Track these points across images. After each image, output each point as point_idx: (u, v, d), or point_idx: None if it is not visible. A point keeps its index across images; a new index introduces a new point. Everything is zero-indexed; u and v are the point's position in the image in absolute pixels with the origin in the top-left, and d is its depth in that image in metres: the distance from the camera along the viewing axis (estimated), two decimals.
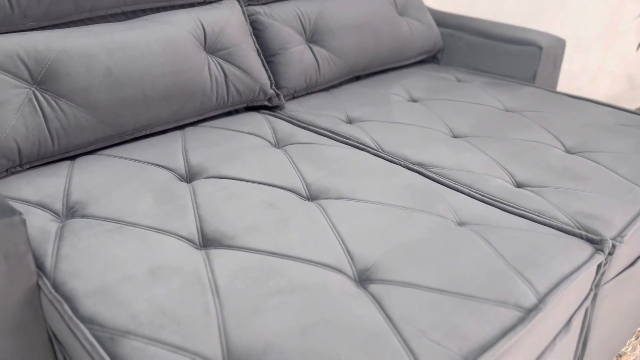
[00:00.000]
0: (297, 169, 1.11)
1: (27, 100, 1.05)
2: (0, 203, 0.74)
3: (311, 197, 1.03)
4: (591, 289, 0.92)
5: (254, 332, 0.69)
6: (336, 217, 0.94)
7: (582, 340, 0.96)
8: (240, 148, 1.19)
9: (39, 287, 0.78)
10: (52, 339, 0.81)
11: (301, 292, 0.76)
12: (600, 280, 0.92)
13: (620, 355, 1.19)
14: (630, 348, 1.23)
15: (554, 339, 0.84)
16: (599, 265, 0.90)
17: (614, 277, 0.96)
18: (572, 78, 2.91)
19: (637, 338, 1.23)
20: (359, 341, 0.68)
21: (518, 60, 1.74)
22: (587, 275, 0.87)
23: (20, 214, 0.72)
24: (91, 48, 1.12)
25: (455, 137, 1.32)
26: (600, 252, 0.88)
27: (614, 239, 0.92)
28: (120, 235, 0.87)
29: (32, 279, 0.77)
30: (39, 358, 0.81)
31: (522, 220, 0.96)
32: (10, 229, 0.71)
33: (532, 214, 0.98)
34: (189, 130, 1.29)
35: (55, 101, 1.07)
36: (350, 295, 0.76)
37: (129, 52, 1.15)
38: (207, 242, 0.88)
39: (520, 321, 0.73)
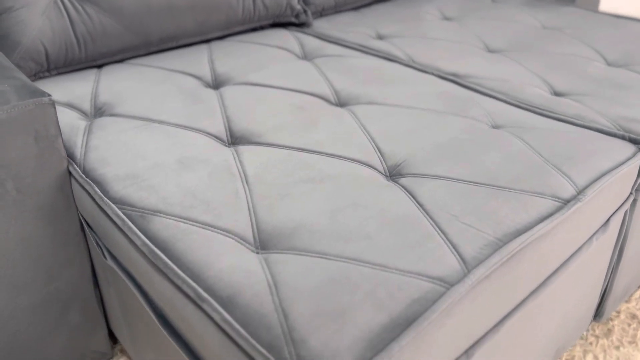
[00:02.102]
0: (326, 78, 1.08)
1: (53, 3, 1.03)
2: (29, 85, 0.74)
3: (340, 103, 1.00)
4: (631, 193, 0.88)
5: (283, 214, 0.68)
6: (366, 120, 0.92)
7: (619, 246, 0.94)
8: (267, 59, 1.17)
9: (69, 173, 0.78)
10: (84, 227, 0.82)
11: (330, 181, 0.75)
12: None
13: None
14: None
15: (591, 237, 0.81)
16: None
17: None
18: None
19: None
20: (390, 223, 0.66)
21: None
22: (628, 174, 0.83)
23: (49, 95, 0.72)
24: None
25: (490, 51, 1.27)
26: None
27: None
28: (148, 131, 0.87)
29: (62, 164, 0.77)
30: (71, 245, 0.82)
31: (560, 123, 0.92)
32: (39, 110, 0.71)
33: (571, 118, 0.94)
34: (215, 44, 1.26)
35: (80, 4, 1.05)
36: (380, 186, 0.74)
37: None
38: (235, 139, 0.87)
39: (558, 210, 0.71)
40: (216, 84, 1.07)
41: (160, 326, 0.66)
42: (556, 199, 0.72)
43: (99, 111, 0.94)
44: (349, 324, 0.52)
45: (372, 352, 0.50)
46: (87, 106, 0.96)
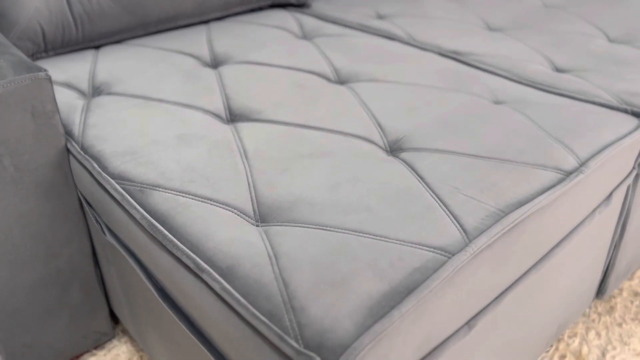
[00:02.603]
0: (326, 56, 1.07)
1: None
2: (26, 61, 0.73)
3: (340, 80, 0.99)
4: (634, 167, 0.88)
5: (283, 188, 0.67)
6: (367, 96, 0.91)
7: (621, 221, 0.93)
8: (266, 39, 1.16)
9: (67, 150, 0.78)
10: (83, 205, 0.82)
11: (330, 156, 0.74)
12: None
13: None
14: None
15: (594, 210, 0.81)
16: None
17: None
18: None
19: None
20: (390, 196, 0.66)
21: None
22: (631, 147, 0.82)
23: (45, 70, 0.71)
24: None
25: (492, 30, 1.26)
26: None
27: None
28: (147, 109, 0.86)
29: (60, 141, 0.76)
30: (71, 223, 0.82)
31: (562, 98, 0.91)
32: (36, 85, 0.70)
33: (573, 93, 0.93)
34: (214, 24, 1.25)
35: None
36: (380, 160, 0.74)
37: None
38: (234, 117, 0.86)
39: (560, 182, 0.70)
40: (215, 64, 1.06)
41: (160, 299, 0.66)
42: (558, 171, 0.72)
43: (97, 90, 0.94)
44: (350, 292, 0.52)
45: (372, 319, 0.50)
46: (84, 86, 0.95)
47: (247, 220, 0.63)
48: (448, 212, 0.63)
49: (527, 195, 0.67)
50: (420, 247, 0.58)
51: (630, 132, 0.81)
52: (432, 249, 0.58)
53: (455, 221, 0.62)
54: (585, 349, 0.98)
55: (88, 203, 0.79)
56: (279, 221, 0.63)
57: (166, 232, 0.61)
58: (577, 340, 1.00)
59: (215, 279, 0.55)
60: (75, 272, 0.86)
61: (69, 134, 0.80)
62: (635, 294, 1.10)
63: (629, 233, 0.96)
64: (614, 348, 0.98)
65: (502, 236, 0.62)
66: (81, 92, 0.93)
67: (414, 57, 1.06)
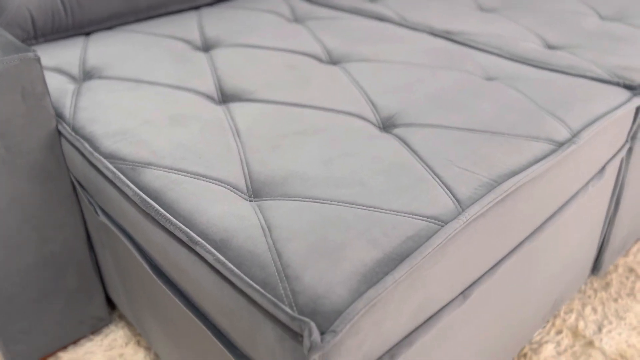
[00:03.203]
0: (318, 38, 1.07)
1: None
2: (14, 42, 0.73)
3: (332, 61, 0.99)
4: (627, 140, 0.88)
5: (276, 164, 0.67)
6: (359, 76, 0.91)
7: (615, 196, 0.93)
8: (257, 23, 1.15)
9: (59, 133, 0.78)
10: (76, 189, 0.81)
11: (323, 133, 0.74)
12: (637, 131, 0.88)
13: None
14: None
15: (587, 183, 0.81)
16: (637, 112, 0.85)
17: None
18: None
19: None
20: (383, 169, 0.66)
21: None
22: (623, 119, 0.82)
23: (34, 51, 0.70)
24: None
25: (483, 10, 1.25)
26: (639, 95, 0.83)
27: None
28: (138, 91, 0.86)
29: (51, 123, 0.76)
30: (64, 206, 0.82)
31: (554, 74, 0.91)
32: (25, 65, 0.70)
33: (566, 69, 0.93)
34: (204, 10, 1.25)
35: None
36: (373, 136, 0.74)
37: None
38: (226, 97, 0.86)
39: (552, 152, 0.70)
40: (206, 47, 1.05)
41: (154, 276, 0.65)
42: (551, 142, 0.72)
43: (87, 75, 0.93)
44: (343, 260, 0.52)
45: (366, 285, 0.50)
46: (75, 70, 0.94)
47: (240, 196, 0.63)
48: (441, 183, 0.63)
49: (519, 166, 0.67)
50: (414, 216, 0.58)
51: (622, 104, 0.81)
52: (425, 218, 0.58)
53: (448, 191, 0.62)
54: (581, 324, 0.99)
55: (81, 185, 0.79)
56: (272, 196, 0.62)
57: (159, 208, 0.61)
58: (573, 316, 1.00)
59: (208, 251, 0.55)
60: (70, 256, 0.86)
61: (59, 116, 0.79)
62: (631, 270, 1.11)
63: (623, 208, 0.97)
64: (610, 323, 0.99)
65: (495, 205, 0.62)
66: (72, 77, 0.93)
67: (406, 38, 1.06)
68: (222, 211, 0.59)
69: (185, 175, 0.65)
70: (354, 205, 0.59)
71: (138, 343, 0.95)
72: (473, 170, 0.65)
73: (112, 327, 0.98)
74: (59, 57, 0.99)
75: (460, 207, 0.60)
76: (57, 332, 0.90)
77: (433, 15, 1.20)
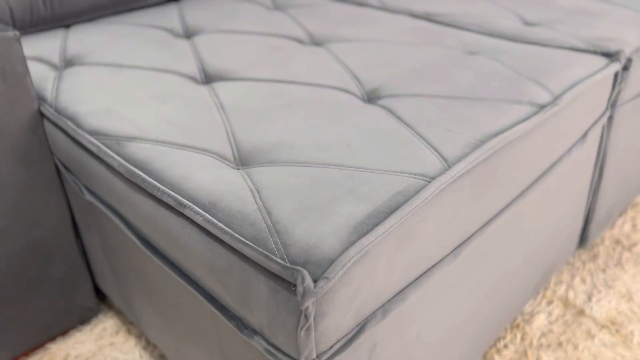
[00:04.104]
0: (299, 23, 1.07)
1: None
2: None
3: (315, 43, 1.00)
4: (607, 108, 0.89)
5: (262, 134, 0.67)
6: (342, 54, 0.91)
7: (598, 164, 0.94)
8: (238, 11, 1.15)
9: (41, 114, 0.77)
10: (60, 172, 0.80)
11: (307, 105, 0.74)
12: (616, 99, 0.90)
13: (635, 204, 1.19)
14: None
15: (571, 148, 0.82)
16: (615, 79, 0.87)
17: (630, 100, 0.93)
18: None
19: None
20: (370, 134, 0.66)
21: None
22: (603, 84, 0.84)
23: (14, 30, 0.70)
24: None
25: None
26: (616, 61, 0.85)
27: (630, 55, 0.88)
28: (121, 75, 0.85)
29: (33, 104, 0.75)
30: (48, 191, 0.80)
31: (534, 46, 0.92)
32: (4, 45, 0.69)
33: (545, 41, 0.94)
34: (184, 2, 1.25)
35: None
36: (358, 107, 0.74)
37: None
38: (209, 78, 0.86)
39: (535, 113, 0.71)
40: (188, 34, 1.05)
41: (144, 248, 0.65)
42: (533, 105, 0.73)
43: (69, 62, 0.92)
44: (333, 214, 0.52)
45: (357, 235, 0.50)
46: (56, 59, 0.94)
47: (227, 164, 0.63)
48: (428, 144, 0.64)
49: (504, 127, 0.68)
50: (402, 174, 0.58)
51: (601, 69, 0.82)
52: (413, 175, 0.58)
53: (435, 151, 0.62)
54: (571, 294, 0.99)
55: (65, 167, 0.78)
56: (260, 163, 0.62)
57: (145, 176, 0.60)
58: (563, 287, 1.01)
59: (197, 212, 0.54)
60: (56, 242, 0.84)
61: (42, 99, 0.79)
62: (617, 242, 1.12)
63: (607, 178, 0.98)
64: (600, 292, 1.00)
65: (481, 163, 0.63)
66: (52, 65, 0.92)
67: (386, 20, 1.07)
68: (210, 177, 0.59)
69: (170, 147, 0.65)
70: (342, 167, 0.59)
71: (129, 331, 0.93)
72: (459, 132, 0.66)
73: (101, 317, 0.96)
74: (38, 47, 0.98)
75: (447, 164, 0.60)
76: (45, 323, 0.89)
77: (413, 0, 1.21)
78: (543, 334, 0.92)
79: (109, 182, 0.67)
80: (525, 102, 0.73)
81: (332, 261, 0.47)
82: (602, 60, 0.85)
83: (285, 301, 0.48)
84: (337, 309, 0.49)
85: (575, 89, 0.77)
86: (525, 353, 0.89)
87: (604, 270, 1.05)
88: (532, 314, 0.95)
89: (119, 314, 0.97)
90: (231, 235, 0.51)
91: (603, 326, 0.93)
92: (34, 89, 0.77)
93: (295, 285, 0.46)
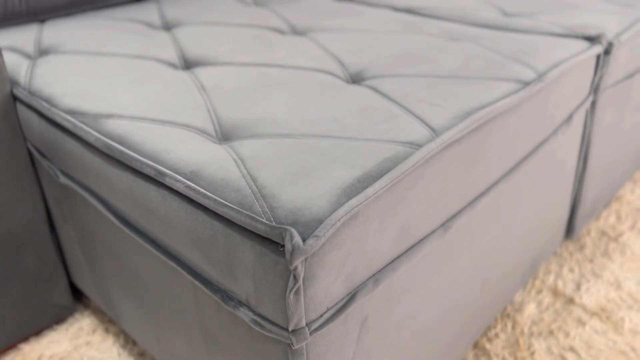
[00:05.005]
0: (281, 15, 1.07)
1: None
2: None
3: (297, 33, 0.99)
4: (590, 92, 0.89)
5: (244, 111, 0.65)
6: (324, 41, 0.90)
7: (583, 152, 0.94)
8: (217, 6, 1.14)
9: (14, 97, 0.74)
10: (34, 158, 0.77)
11: (291, 85, 0.72)
12: (599, 83, 0.90)
13: (620, 198, 1.19)
14: (629, 192, 1.22)
15: (557, 129, 0.82)
16: (598, 63, 0.87)
17: (612, 86, 0.94)
18: None
19: (636, 183, 1.22)
20: (356, 110, 0.64)
21: None
22: (586, 67, 0.84)
23: None
24: None
25: None
26: (598, 44, 0.85)
27: (611, 39, 0.89)
28: (98, 61, 0.83)
29: (5, 87, 0.72)
30: (21, 180, 0.77)
31: (516, 33, 0.93)
32: None
33: (527, 29, 0.95)
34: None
35: None
36: (343, 87, 0.72)
37: None
38: (189, 64, 0.84)
39: (521, 89, 0.70)
40: (167, 27, 1.04)
41: (122, 226, 0.62)
42: (519, 82, 0.72)
43: (43, 52, 0.90)
44: (322, 178, 0.50)
45: (346, 198, 0.48)
46: (30, 49, 0.91)
47: (208, 139, 0.60)
48: (415, 117, 0.62)
49: (491, 101, 0.67)
50: (390, 142, 0.56)
51: (584, 51, 0.83)
52: (402, 143, 0.56)
53: (423, 122, 0.61)
54: (560, 283, 0.98)
55: (39, 152, 0.75)
56: (242, 137, 0.60)
57: (123, 148, 0.58)
58: (551, 277, 1.00)
59: (178, 180, 0.52)
60: (29, 234, 0.80)
61: (15, 83, 0.76)
62: (603, 233, 1.12)
63: (591, 168, 0.98)
64: (588, 281, 0.99)
65: (469, 134, 0.61)
66: (26, 55, 0.89)
67: (368, 14, 1.07)
68: (191, 149, 0.57)
69: (150, 123, 0.63)
70: (329, 137, 0.57)
71: (106, 330, 0.89)
72: (446, 106, 0.65)
73: (77, 316, 0.92)
74: (12, 38, 0.95)
75: (436, 134, 0.59)
76: (17, 322, 0.84)
77: None
78: (534, 323, 0.90)
79: (85, 160, 0.64)
80: (512, 80, 0.72)
81: (321, 222, 0.45)
82: (584, 44, 0.86)
83: (273, 264, 0.45)
84: (327, 273, 0.46)
85: (560, 68, 0.77)
86: (516, 341, 0.87)
87: (591, 260, 1.04)
88: (522, 303, 0.94)
89: (96, 312, 0.93)
90: (215, 200, 0.49)
91: (593, 314, 0.92)
92: (7, 72, 0.74)
93: (283, 246, 0.44)
